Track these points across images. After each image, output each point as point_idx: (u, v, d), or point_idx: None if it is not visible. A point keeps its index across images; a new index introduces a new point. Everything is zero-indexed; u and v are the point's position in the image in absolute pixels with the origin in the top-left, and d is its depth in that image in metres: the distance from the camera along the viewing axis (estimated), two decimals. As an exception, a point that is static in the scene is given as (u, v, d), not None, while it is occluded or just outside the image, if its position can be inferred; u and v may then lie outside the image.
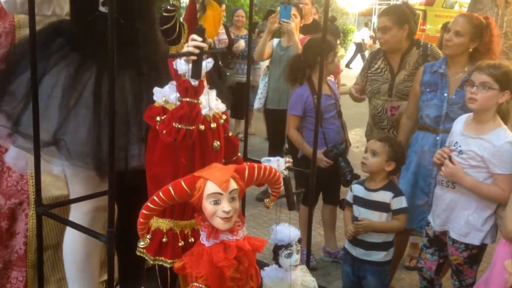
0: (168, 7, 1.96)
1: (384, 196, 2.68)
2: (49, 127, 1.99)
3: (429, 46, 3.32)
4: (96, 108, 2.01)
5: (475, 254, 2.52)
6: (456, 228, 2.51)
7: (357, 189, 2.78)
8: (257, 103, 4.88)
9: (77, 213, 2.22)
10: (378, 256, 2.68)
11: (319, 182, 2.69)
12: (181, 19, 2.04)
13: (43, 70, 2.03)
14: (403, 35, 3.24)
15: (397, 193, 2.69)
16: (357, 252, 2.72)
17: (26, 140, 2.04)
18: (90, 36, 2.09)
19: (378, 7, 25.41)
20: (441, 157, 2.50)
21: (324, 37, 2.56)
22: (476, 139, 2.43)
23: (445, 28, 2.91)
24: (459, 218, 2.50)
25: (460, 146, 2.47)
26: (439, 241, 2.66)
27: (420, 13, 13.58)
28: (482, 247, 2.52)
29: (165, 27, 1.96)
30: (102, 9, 2.06)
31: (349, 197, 2.84)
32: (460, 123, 2.57)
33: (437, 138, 2.86)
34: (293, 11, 4.21)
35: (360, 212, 2.73)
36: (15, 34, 2.55)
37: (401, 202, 2.68)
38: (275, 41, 4.57)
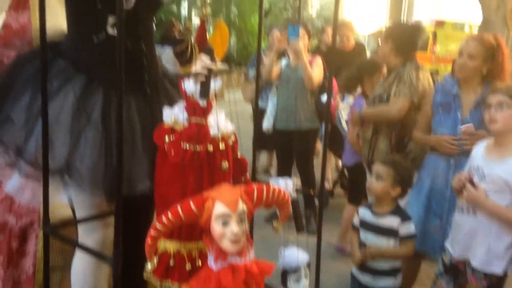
0: (181, 29, 1.97)
1: (392, 221, 2.63)
2: (59, 153, 1.96)
3: (407, 65, 3.24)
4: (106, 130, 1.99)
5: (495, 284, 2.44)
6: (477, 256, 2.44)
7: (364, 213, 2.74)
8: (266, 123, 4.87)
9: (87, 241, 2.16)
10: (387, 283, 2.61)
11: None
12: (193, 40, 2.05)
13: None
14: (386, 49, 3.30)
15: (405, 218, 2.64)
16: (365, 278, 2.66)
17: (33, 168, 2.00)
18: (97, 58, 2.08)
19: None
20: (461, 182, 2.45)
21: (332, 54, 2.54)
22: (501, 163, 2.38)
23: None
24: (480, 246, 2.43)
25: (483, 171, 2.42)
26: (455, 269, 2.59)
27: (430, 34, 13.59)
28: (503, 277, 2.45)
29: (178, 49, 1.96)
30: (110, 30, 2.05)
31: (355, 221, 2.79)
32: (480, 148, 2.52)
33: (451, 160, 2.82)
34: (302, 31, 4.23)
35: (367, 237, 2.68)
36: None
37: (409, 228, 2.62)
38: (284, 61, 4.58)
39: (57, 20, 2.37)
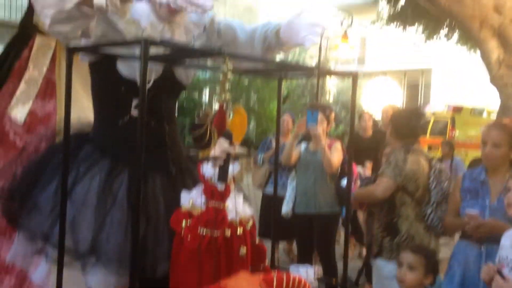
0: (200, 114, 2.01)
1: None
2: (86, 236, 1.96)
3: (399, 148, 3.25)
4: (131, 212, 1.97)
5: None
6: None
7: (392, 303, 2.59)
8: (285, 208, 4.81)
9: None
10: None
11: None
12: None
13: (73, 178, 2.02)
14: (388, 134, 3.40)
15: None
16: None
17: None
18: (121, 139, 2.11)
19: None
20: (489, 274, 2.33)
21: (352, 127, 2.50)
22: None
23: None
24: None
25: None
26: None
27: (449, 120, 13.79)
28: None
29: (196, 132, 1.99)
30: (135, 112, 2.11)
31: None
32: (509, 238, 2.42)
33: (482, 249, 2.71)
34: (320, 116, 4.28)
35: (397, 329, 2.51)
36: (55, 141, 2.59)
37: None
38: (303, 145, 4.62)
39: (83, 112, 2.45)
